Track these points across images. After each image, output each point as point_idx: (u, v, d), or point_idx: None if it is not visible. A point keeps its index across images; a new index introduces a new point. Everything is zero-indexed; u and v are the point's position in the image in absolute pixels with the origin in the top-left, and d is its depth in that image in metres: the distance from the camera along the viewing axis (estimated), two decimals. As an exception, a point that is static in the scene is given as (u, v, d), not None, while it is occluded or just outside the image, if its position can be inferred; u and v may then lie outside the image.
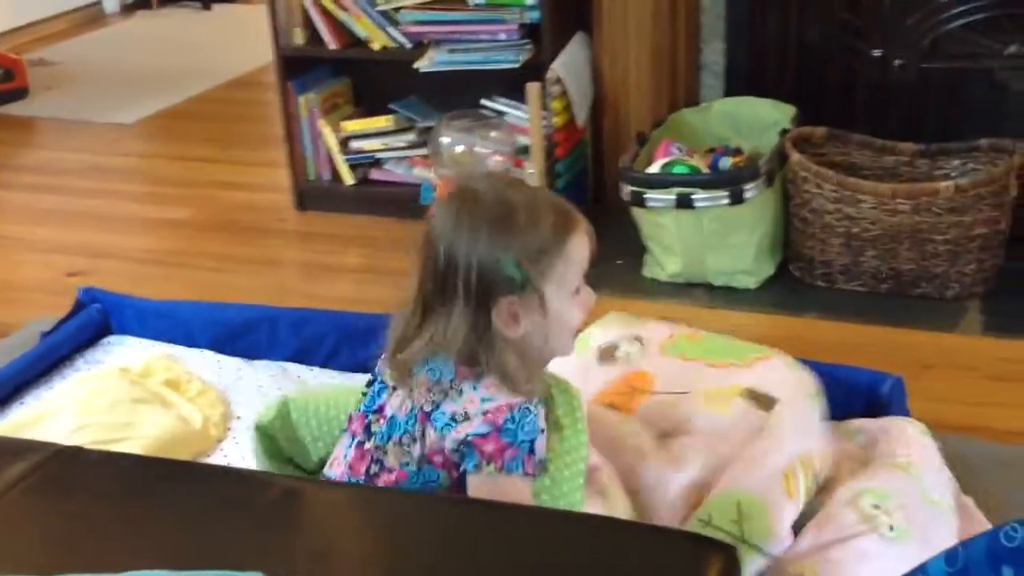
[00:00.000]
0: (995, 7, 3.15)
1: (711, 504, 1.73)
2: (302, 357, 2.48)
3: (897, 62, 3.26)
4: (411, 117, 3.64)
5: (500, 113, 3.42)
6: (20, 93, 5.01)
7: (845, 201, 2.92)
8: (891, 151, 3.12)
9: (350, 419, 1.71)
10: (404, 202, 3.39)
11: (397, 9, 3.42)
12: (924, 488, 1.79)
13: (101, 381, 2.33)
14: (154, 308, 2.65)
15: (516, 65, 3.30)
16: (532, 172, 3.22)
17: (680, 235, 3.02)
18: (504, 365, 1.57)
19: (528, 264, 1.56)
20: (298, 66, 3.64)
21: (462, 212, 1.58)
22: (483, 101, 3.45)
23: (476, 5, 3.31)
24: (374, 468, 1.63)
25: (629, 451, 1.85)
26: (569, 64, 3.33)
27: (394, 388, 1.65)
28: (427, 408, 1.60)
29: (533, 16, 3.29)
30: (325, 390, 2.05)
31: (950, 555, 1.25)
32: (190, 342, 2.56)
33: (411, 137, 3.63)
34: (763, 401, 1.90)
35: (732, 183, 2.94)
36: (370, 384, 1.71)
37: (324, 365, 2.46)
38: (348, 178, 3.67)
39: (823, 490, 1.80)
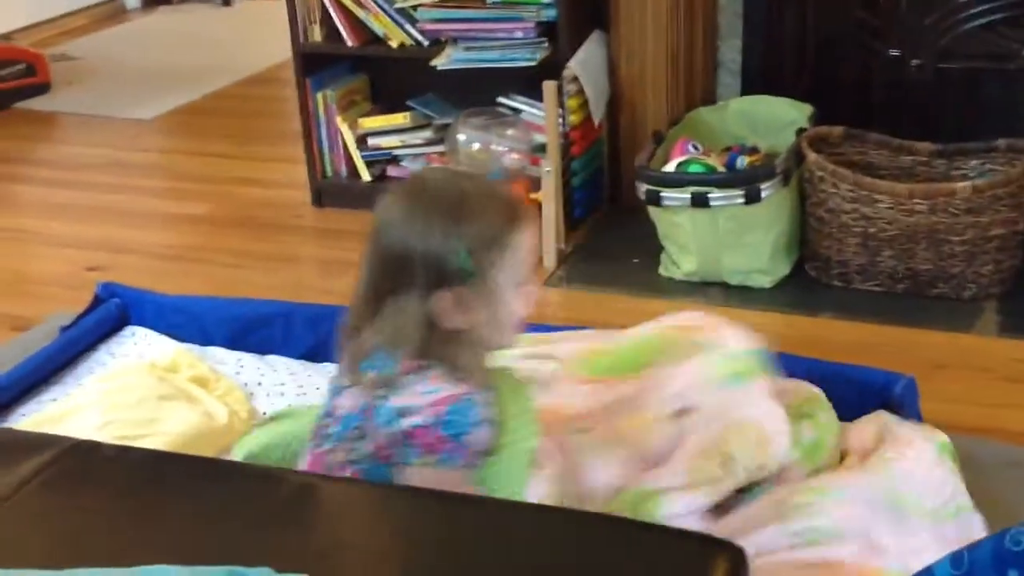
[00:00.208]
0: (1013, 7, 3.13)
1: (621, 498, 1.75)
2: (318, 353, 2.49)
3: (914, 62, 3.26)
4: (428, 114, 3.65)
5: (516, 111, 3.43)
6: (42, 88, 5.04)
7: (862, 201, 2.91)
8: (908, 151, 3.11)
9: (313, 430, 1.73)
10: (421, 199, 3.39)
11: (415, 7, 3.42)
12: (892, 489, 1.78)
13: (129, 377, 2.35)
14: (172, 303, 2.67)
15: (533, 63, 3.30)
16: (548, 170, 3.22)
17: (696, 234, 3.02)
18: (452, 356, 1.58)
19: (479, 254, 1.56)
20: (316, 63, 3.66)
21: (415, 202, 1.59)
22: (500, 99, 3.46)
23: (493, 3, 3.31)
24: (329, 470, 1.63)
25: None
26: (586, 62, 3.33)
27: (346, 388, 1.65)
28: (374, 403, 1.60)
29: (550, 14, 3.29)
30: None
31: (955, 558, 1.25)
32: (207, 337, 2.58)
33: (428, 134, 3.64)
34: (677, 416, 1.92)
35: (747, 182, 2.94)
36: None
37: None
38: (365, 175, 3.68)
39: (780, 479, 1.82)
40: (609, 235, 3.42)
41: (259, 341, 2.56)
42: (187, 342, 2.57)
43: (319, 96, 3.65)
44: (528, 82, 3.34)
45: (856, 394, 2.08)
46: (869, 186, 2.90)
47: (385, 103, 3.74)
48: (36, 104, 4.96)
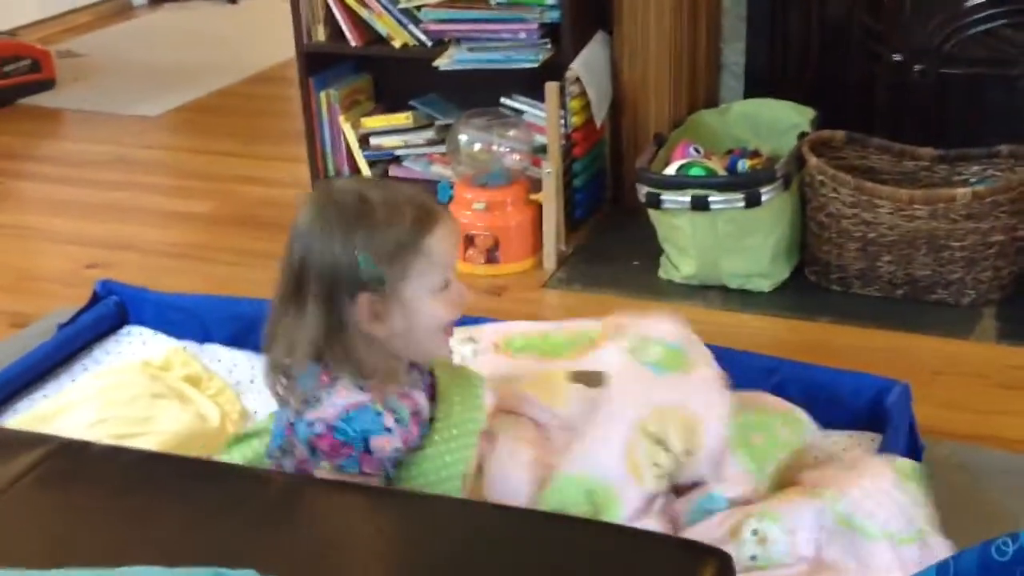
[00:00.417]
0: (1017, 13, 3.12)
1: (560, 490, 1.72)
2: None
3: (917, 67, 3.25)
4: (431, 114, 3.66)
5: (519, 112, 3.43)
6: (47, 84, 5.04)
7: (862, 206, 2.91)
8: (910, 156, 3.10)
9: None
10: (422, 199, 3.39)
11: (419, 7, 3.42)
12: (849, 514, 1.73)
13: (123, 375, 2.35)
14: (170, 301, 2.67)
15: (536, 64, 3.31)
16: (549, 171, 3.22)
17: (695, 237, 3.02)
18: (358, 364, 1.59)
19: (384, 262, 1.57)
20: (320, 62, 3.66)
21: (318, 211, 1.60)
22: (502, 99, 3.46)
23: (497, 4, 3.32)
24: None
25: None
26: (588, 64, 3.33)
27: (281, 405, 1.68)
28: (292, 419, 1.63)
29: (553, 16, 3.29)
30: None
31: (941, 568, 1.25)
32: (206, 336, 2.58)
33: (430, 134, 3.64)
34: (592, 379, 1.88)
35: (748, 186, 2.93)
36: None
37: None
38: (367, 174, 3.68)
39: (736, 504, 1.77)
40: (610, 237, 3.42)
41: (259, 340, 2.55)
42: (186, 340, 2.57)
43: (322, 95, 3.65)
44: (531, 83, 3.34)
45: (849, 401, 2.07)
46: (870, 191, 2.90)
47: (388, 103, 3.74)
48: (41, 100, 4.96)
